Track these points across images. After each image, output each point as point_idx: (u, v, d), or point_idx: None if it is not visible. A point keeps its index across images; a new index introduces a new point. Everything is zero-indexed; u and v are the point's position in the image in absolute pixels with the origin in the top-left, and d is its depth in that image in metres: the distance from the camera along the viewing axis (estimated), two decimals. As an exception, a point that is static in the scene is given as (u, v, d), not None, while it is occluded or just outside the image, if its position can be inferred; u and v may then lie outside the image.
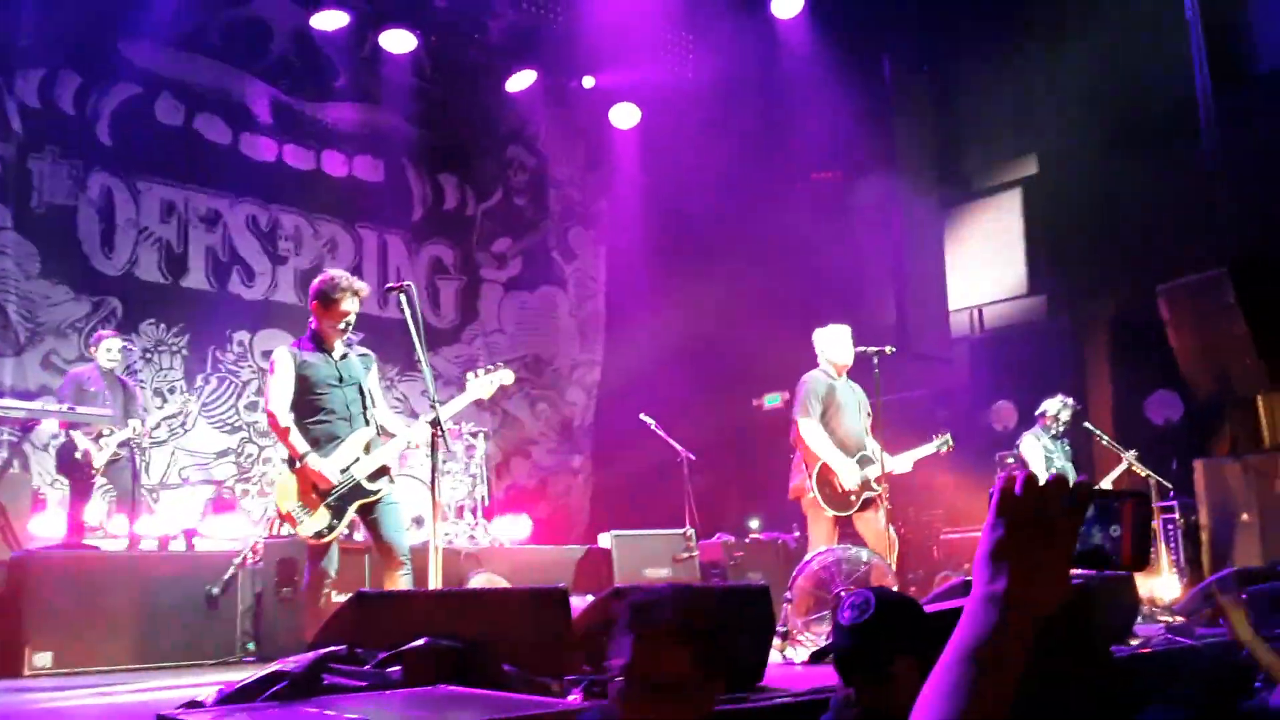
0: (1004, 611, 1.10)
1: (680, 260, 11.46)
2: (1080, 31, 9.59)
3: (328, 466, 5.02)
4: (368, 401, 5.27)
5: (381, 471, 5.17)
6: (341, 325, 5.17)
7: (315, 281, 5.28)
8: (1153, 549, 7.55)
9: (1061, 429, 8.12)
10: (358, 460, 5.11)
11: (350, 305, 5.16)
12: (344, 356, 5.26)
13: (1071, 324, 10.09)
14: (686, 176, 11.19)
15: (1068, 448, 8.19)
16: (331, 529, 5.04)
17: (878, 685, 2.25)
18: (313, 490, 5.02)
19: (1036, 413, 8.22)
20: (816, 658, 4.78)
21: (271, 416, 5.14)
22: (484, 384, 5.41)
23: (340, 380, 5.20)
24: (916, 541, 8.65)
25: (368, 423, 5.23)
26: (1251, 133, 8.79)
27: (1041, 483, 1.15)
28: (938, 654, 1.10)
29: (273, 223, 9.94)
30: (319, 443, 5.09)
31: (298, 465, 5.05)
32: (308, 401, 5.13)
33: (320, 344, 5.22)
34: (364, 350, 5.46)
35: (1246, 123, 8.83)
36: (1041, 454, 8.02)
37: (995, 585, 1.12)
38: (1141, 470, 8.14)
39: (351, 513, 5.09)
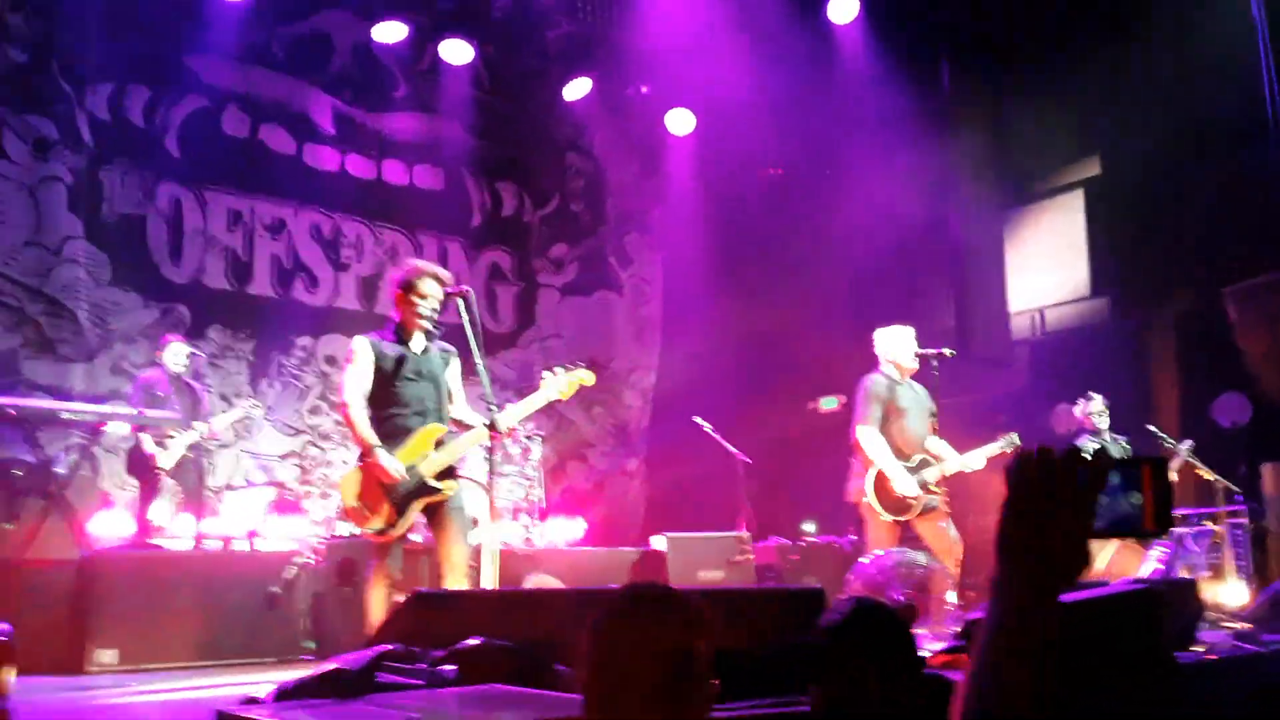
0: (1026, 587, 1.11)
1: (735, 265, 11.44)
2: (1142, 30, 9.42)
3: (392, 463, 4.89)
4: (443, 398, 5.17)
5: (450, 471, 5.06)
6: (424, 312, 5.07)
7: (398, 271, 5.25)
8: (1160, 565, 7.42)
9: (1105, 425, 8.00)
10: (426, 456, 5.00)
11: (430, 288, 5.08)
12: (425, 350, 5.16)
13: (1135, 326, 9.90)
14: (741, 183, 11.18)
15: (1126, 445, 8.02)
16: (395, 526, 4.93)
17: (836, 688, 2.24)
18: (378, 485, 4.92)
19: (1080, 420, 8.15)
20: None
21: (343, 407, 5.04)
22: (561, 383, 5.28)
23: (419, 374, 5.09)
24: (975, 548, 8.52)
25: (441, 419, 5.12)
26: (1321, 130, 8.57)
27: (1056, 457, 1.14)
28: (901, 666, 1.10)
29: (335, 230, 10.12)
30: (390, 436, 4.98)
31: (364, 460, 4.96)
32: (383, 393, 5.03)
33: (401, 336, 5.13)
34: (446, 345, 5.31)
35: (1315, 121, 8.61)
36: None
37: (1016, 562, 1.12)
38: (1200, 469, 7.95)
39: (416, 511, 4.98)
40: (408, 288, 5.11)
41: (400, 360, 5.08)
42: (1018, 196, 11.12)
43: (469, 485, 5.26)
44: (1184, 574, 7.55)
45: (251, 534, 6.79)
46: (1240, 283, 8.34)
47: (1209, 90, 9.14)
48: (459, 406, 5.29)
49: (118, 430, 7.51)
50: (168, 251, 9.15)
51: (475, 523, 5.46)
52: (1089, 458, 1.16)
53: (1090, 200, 10.57)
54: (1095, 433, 8.02)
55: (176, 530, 7.26)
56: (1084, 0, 9.92)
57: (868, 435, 6.32)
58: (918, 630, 5.25)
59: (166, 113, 9.20)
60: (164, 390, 7.52)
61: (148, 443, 7.28)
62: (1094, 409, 8.05)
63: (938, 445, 6.43)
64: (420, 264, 5.26)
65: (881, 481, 6.27)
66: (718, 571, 7.66)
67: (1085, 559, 1.12)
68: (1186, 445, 7.98)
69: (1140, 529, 1.17)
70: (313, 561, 6.34)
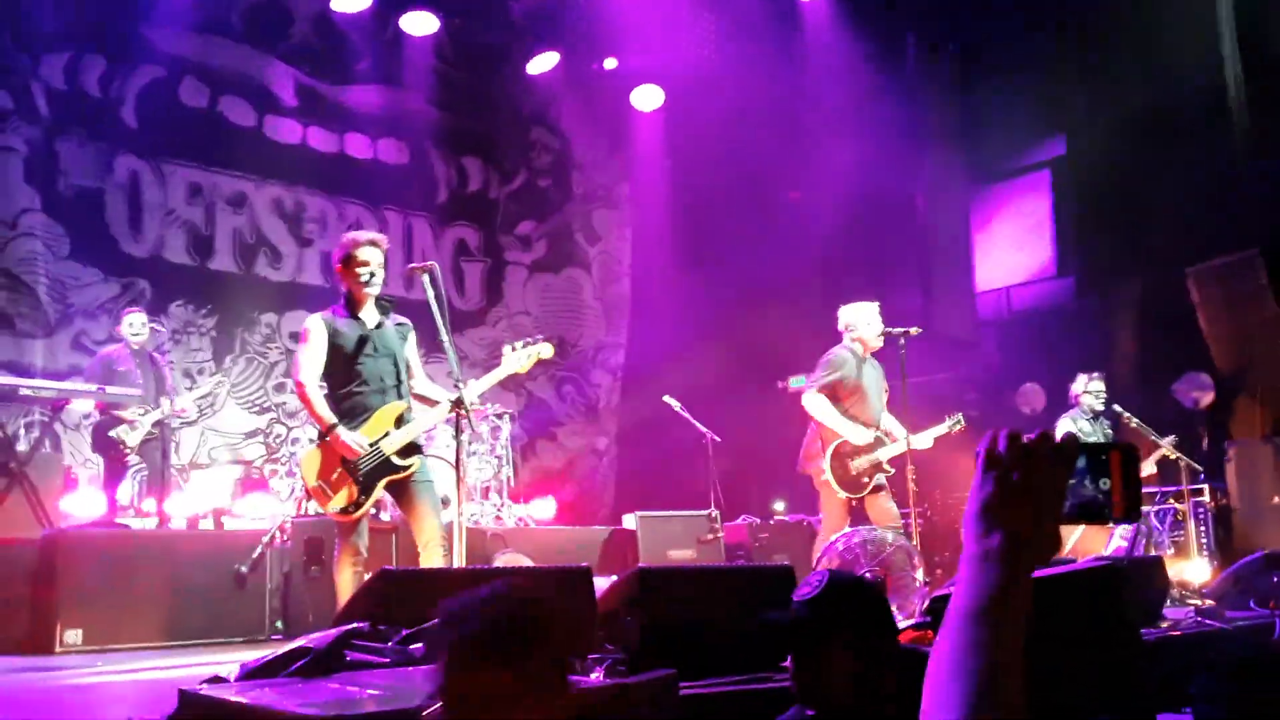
0: (1000, 567, 1.10)
1: (705, 242, 11.43)
2: (1109, 11, 9.47)
3: (354, 438, 4.81)
4: (402, 373, 5.08)
5: (413, 447, 4.98)
6: (365, 278, 4.95)
7: (336, 249, 5.14)
8: (1124, 542, 7.51)
9: (1098, 406, 7.97)
10: (387, 434, 4.90)
11: (368, 254, 4.97)
12: (379, 325, 5.06)
13: (1100, 306, 10.00)
14: (710, 158, 11.14)
15: (1108, 429, 8.03)
16: (359, 505, 4.84)
17: (812, 661, 2.23)
18: (340, 464, 4.83)
19: (1071, 394, 8.12)
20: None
21: (300, 386, 4.93)
22: (520, 358, 5.21)
23: (375, 350, 4.98)
24: (942, 524, 8.60)
25: (401, 396, 5.04)
26: (1283, 114, 8.67)
27: (1025, 439, 1.14)
28: (876, 640, 1.08)
29: (298, 205, 9.99)
30: (351, 414, 4.89)
31: (324, 438, 4.87)
32: (340, 371, 4.94)
33: (353, 310, 5.03)
34: (402, 319, 5.18)
35: (1277, 105, 8.71)
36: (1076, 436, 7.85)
37: (988, 542, 1.11)
38: (1174, 455, 8.03)
39: (380, 489, 4.90)
40: (347, 260, 5.00)
41: (356, 335, 4.99)
42: (984, 176, 11.18)
43: (438, 463, 5.19)
44: (1149, 551, 7.66)
45: (218, 513, 6.71)
46: (1202, 264, 8.44)
47: (1173, 72, 9.22)
48: (419, 381, 5.21)
49: (80, 407, 7.39)
50: (127, 225, 8.99)
51: (445, 502, 5.40)
52: (1058, 441, 1.15)
53: (1056, 180, 10.65)
54: (1085, 412, 7.98)
55: (142, 509, 7.17)
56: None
57: (814, 400, 6.31)
58: (886, 607, 5.29)
59: (123, 83, 9.03)
60: (124, 365, 7.38)
61: (121, 426, 7.16)
62: (1091, 388, 7.97)
63: (890, 422, 6.46)
64: (355, 234, 5.15)
65: (839, 458, 6.28)
66: (688, 550, 7.67)
67: (1055, 542, 1.12)
68: (1169, 440, 8.00)
69: (1108, 515, 1.17)
70: (280, 540, 6.27)
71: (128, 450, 7.21)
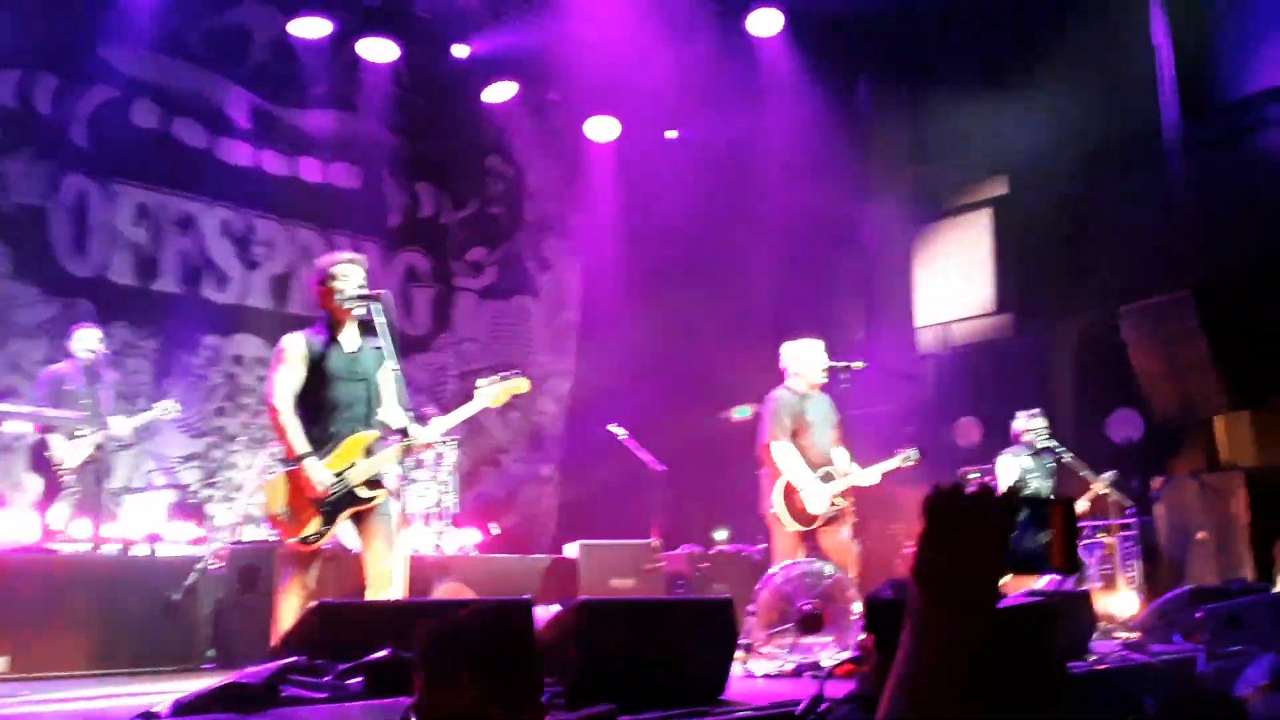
0: (943, 621, 1.12)
1: (653, 273, 11.51)
2: (1052, 56, 9.74)
3: (319, 473, 4.70)
4: (374, 400, 4.95)
5: (378, 480, 4.87)
6: (346, 294, 4.81)
7: (313, 272, 5.02)
8: (1082, 556, 7.66)
9: (1039, 443, 8.06)
10: (354, 464, 4.80)
11: (346, 270, 4.85)
12: (359, 349, 4.94)
13: (1037, 342, 10.22)
14: (661, 190, 11.25)
15: (1050, 464, 8.11)
16: (320, 536, 4.74)
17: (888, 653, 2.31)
18: (304, 494, 4.71)
19: (1012, 431, 8.22)
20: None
21: (273, 411, 4.76)
22: (495, 392, 5.19)
23: (351, 375, 4.86)
24: (881, 554, 8.70)
25: (370, 425, 4.92)
26: (1218, 158, 8.96)
27: (967, 493, 1.17)
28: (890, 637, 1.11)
29: (247, 228, 9.92)
30: (321, 441, 4.77)
31: (292, 466, 4.74)
32: (315, 394, 4.80)
33: (333, 331, 4.90)
34: (379, 344, 4.92)
35: (1213, 148, 9.00)
36: (1017, 472, 7.97)
37: (930, 599, 1.13)
38: (1110, 493, 8.18)
39: (342, 520, 4.80)
40: (326, 279, 4.89)
41: (333, 357, 4.87)
42: (928, 213, 11.40)
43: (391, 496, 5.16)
44: (1077, 585, 7.81)
45: (151, 538, 6.61)
46: (1136, 303, 8.66)
47: (1111, 115, 9.50)
48: (388, 409, 5.05)
49: (15, 428, 7.25)
50: (71, 245, 8.87)
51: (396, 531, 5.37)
52: (999, 494, 1.18)
53: (998, 218, 10.88)
54: (1027, 449, 8.10)
55: (73, 533, 7.04)
56: (998, 25, 10.22)
57: (781, 450, 6.40)
58: (822, 639, 5.36)
59: (75, 102, 8.92)
60: (74, 383, 7.23)
61: (57, 442, 7.02)
62: (1033, 425, 8.09)
63: (840, 457, 6.55)
64: (334, 253, 5.08)
65: (789, 493, 6.36)
66: (629, 579, 7.69)
67: (996, 593, 1.14)
68: (1108, 476, 8.14)
69: (1048, 566, 1.21)
70: (215, 567, 6.20)
71: (64, 471, 7.08)
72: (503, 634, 1.76)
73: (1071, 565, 1.22)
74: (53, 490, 7.14)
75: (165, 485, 8.53)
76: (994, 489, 1.19)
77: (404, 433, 4.86)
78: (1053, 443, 8.09)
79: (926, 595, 1.14)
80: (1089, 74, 9.55)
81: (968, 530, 1.14)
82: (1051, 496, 1.25)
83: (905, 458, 6.78)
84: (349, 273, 4.89)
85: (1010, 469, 8.04)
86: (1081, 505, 8.08)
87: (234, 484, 8.22)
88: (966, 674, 1.11)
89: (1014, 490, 1.16)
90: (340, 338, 4.92)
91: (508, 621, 1.77)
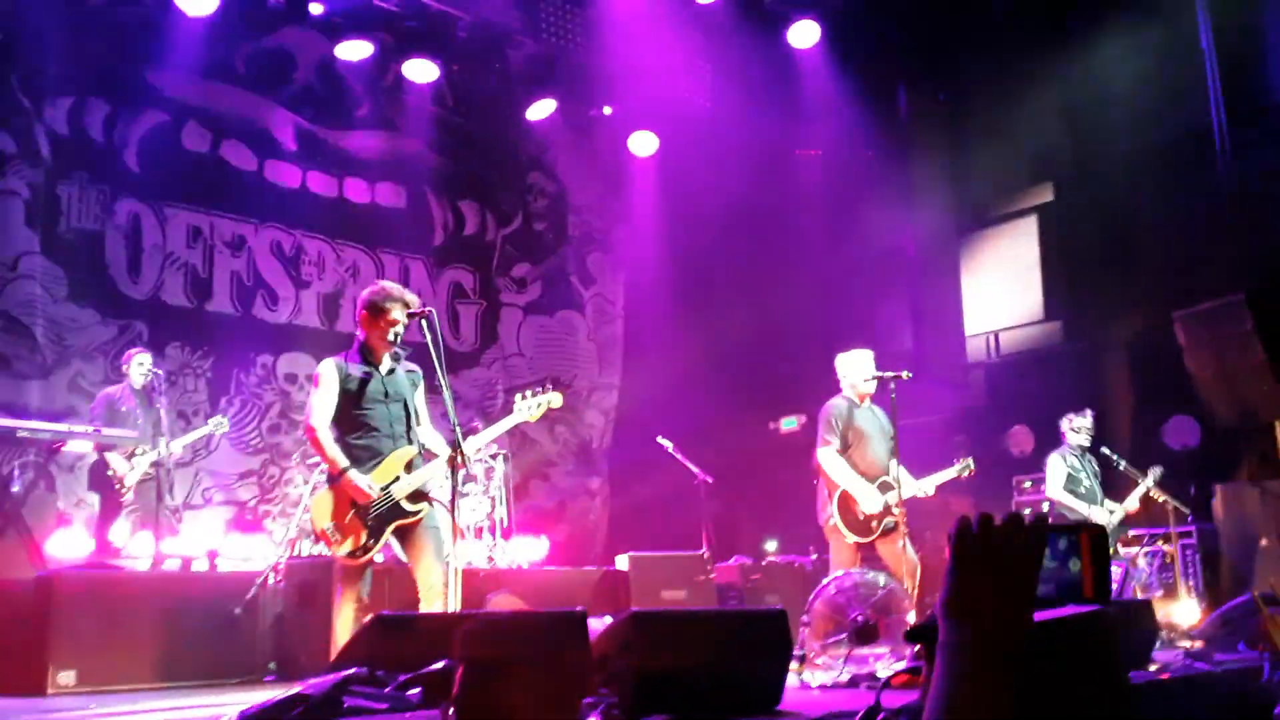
0: (973, 657, 1.10)
1: (698, 285, 11.54)
2: (1096, 60, 9.65)
3: (366, 481, 4.88)
4: (413, 420, 5.15)
5: (422, 493, 5.04)
6: (390, 337, 5.06)
7: (365, 293, 5.19)
8: (1136, 577, 7.55)
9: (1084, 442, 8.08)
10: (398, 479, 4.97)
11: (399, 315, 5.06)
12: (391, 371, 5.13)
13: (1088, 349, 10.10)
14: (704, 204, 11.28)
15: (1096, 466, 8.14)
16: (367, 550, 4.88)
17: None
18: (350, 508, 4.88)
19: (1061, 431, 8.22)
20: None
21: (311, 431, 4.99)
22: (530, 406, 5.32)
23: (386, 396, 5.06)
24: (934, 566, 8.63)
25: (410, 441, 5.11)
26: (1266, 160, 8.82)
27: (997, 523, 1.14)
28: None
29: (296, 248, 10.07)
30: (360, 460, 4.95)
31: (335, 481, 4.92)
32: (351, 416, 5.00)
33: (367, 357, 5.10)
34: (412, 366, 5.29)
35: (1261, 151, 8.86)
36: (1064, 473, 8.00)
37: (960, 634, 1.11)
38: (1159, 495, 8.11)
39: (389, 534, 4.94)
40: (375, 311, 5.08)
41: (367, 382, 5.05)
42: (973, 221, 11.32)
43: (437, 505, 5.24)
44: (1137, 594, 7.69)
45: (211, 554, 6.72)
46: (1189, 308, 8.55)
47: (1158, 118, 9.39)
48: (424, 430, 5.26)
49: (76, 448, 7.42)
50: (126, 267, 9.06)
51: (444, 543, 5.43)
52: (1028, 524, 1.16)
53: (1043, 225, 10.78)
54: (1072, 449, 8.11)
55: (135, 550, 7.17)
56: (1039, 29, 10.15)
57: (829, 457, 6.41)
58: (877, 650, 5.32)
59: (126, 127, 9.12)
60: (128, 405, 7.45)
61: (116, 460, 7.20)
62: (1078, 424, 8.11)
63: (894, 470, 6.52)
64: (389, 286, 5.22)
65: (846, 504, 6.35)
66: (680, 591, 7.69)
67: (1023, 634, 1.12)
68: (1155, 472, 8.09)
69: (1079, 595, 1.19)
70: (274, 582, 6.28)
71: (124, 489, 7.24)
72: (544, 636, 1.80)
73: (1103, 595, 1.19)
74: (111, 508, 7.30)
75: (223, 502, 8.67)
76: (1023, 519, 1.16)
77: (452, 450, 4.93)
78: (1100, 448, 8.06)
79: (956, 629, 1.12)
80: (1134, 78, 9.46)
81: (997, 563, 1.12)
82: (1080, 525, 1.23)
83: (963, 468, 6.75)
84: (399, 318, 5.08)
85: (1058, 469, 8.04)
86: (1132, 504, 8.02)
87: (290, 499, 8.32)
88: (999, 706, 1.08)
89: (1042, 520, 1.12)
90: (375, 362, 5.12)
91: (550, 625, 1.81)
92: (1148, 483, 8.07)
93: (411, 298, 5.22)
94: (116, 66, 8.99)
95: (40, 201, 8.58)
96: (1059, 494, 7.94)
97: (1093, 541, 1.19)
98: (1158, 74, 9.37)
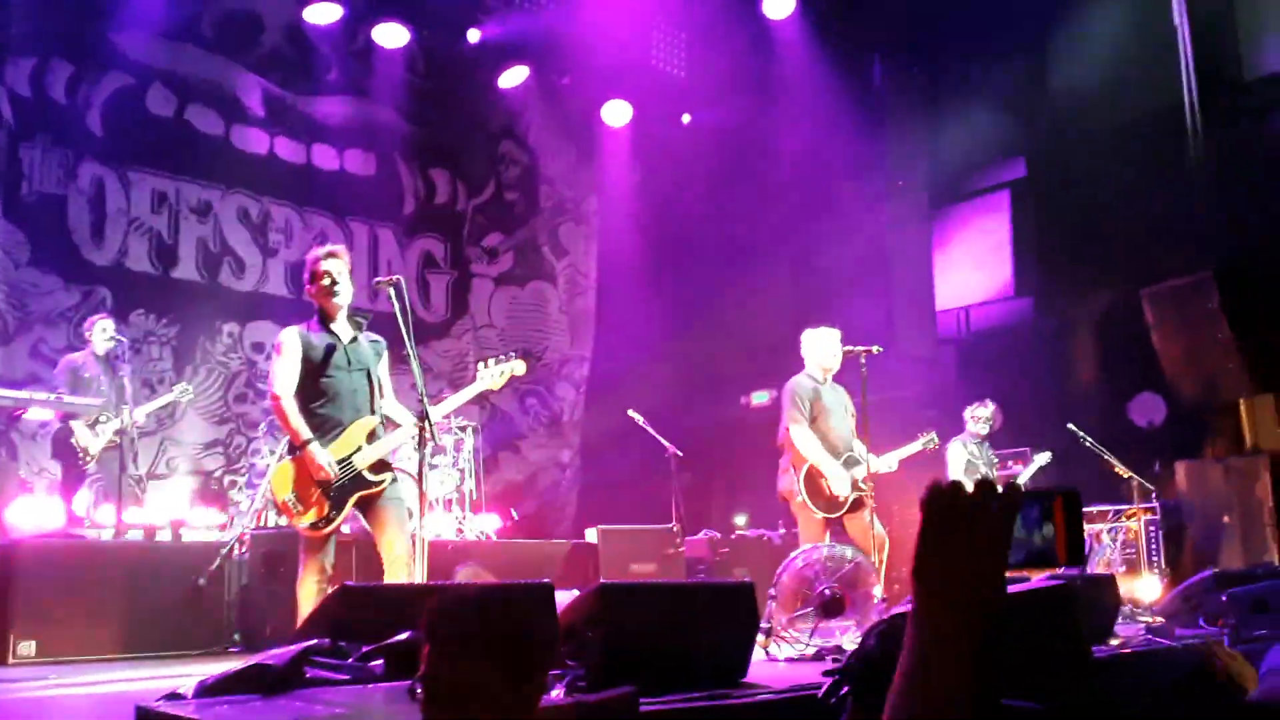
0: (946, 619, 1.09)
1: (670, 257, 11.50)
2: (1070, 36, 9.65)
3: (325, 457, 4.81)
4: (375, 390, 5.10)
5: (384, 464, 5.00)
6: (333, 292, 4.98)
7: (304, 269, 5.18)
8: (1100, 552, 7.69)
9: (982, 431, 8.34)
10: (359, 449, 4.92)
11: (330, 265, 5.00)
12: (354, 340, 5.08)
13: (1057, 326, 10.16)
14: (677, 175, 11.22)
15: (990, 453, 8.41)
16: (330, 521, 4.83)
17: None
18: (311, 480, 4.83)
19: (964, 420, 8.45)
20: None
21: (275, 399, 4.92)
22: (494, 373, 5.23)
23: (349, 364, 5.00)
24: (902, 540, 8.69)
25: (374, 411, 5.06)
26: (1238, 138, 8.86)
27: (969, 489, 1.13)
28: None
29: (264, 215, 9.94)
30: (322, 429, 4.89)
31: (297, 453, 4.87)
32: (313, 385, 4.94)
33: (325, 323, 5.05)
34: (375, 336, 5.22)
35: (1233, 128, 8.91)
36: (963, 459, 8.23)
37: (935, 595, 1.11)
38: (1125, 473, 8.20)
39: (351, 505, 4.90)
40: (311, 277, 5.07)
41: (330, 350, 4.99)
42: (945, 196, 11.33)
43: (402, 477, 5.19)
44: (1100, 569, 7.78)
45: (176, 524, 6.65)
46: (1157, 285, 8.60)
47: (1131, 95, 9.41)
48: (388, 402, 5.22)
49: (39, 416, 7.31)
50: (89, 232, 8.91)
51: (410, 514, 5.39)
52: (1001, 490, 1.14)
53: (1016, 201, 10.81)
54: (971, 437, 8.36)
55: (98, 519, 7.10)
56: (1014, 4, 10.13)
57: (802, 434, 6.41)
58: (843, 622, 5.35)
59: (90, 89, 8.95)
60: (91, 372, 7.33)
61: (80, 429, 7.09)
62: (977, 414, 8.37)
63: (859, 446, 6.55)
64: (316, 249, 5.18)
65: (813, 479, 6.36)
66: (649, 564, 7.70)
67: (1002, 592, 1.11)
68: (1042, 457, 8.45)
69: (1053, 561, 1.17)
70: (239, 552, 6.23)
71: (88, 458, 7.15)
72: (511, 610, 1.76)
73: (1076, 559, 1.17)
74: (74, 477, 7.21)
75: (188, 472, 8.58)
76: (994, 484, 1.14)
77: (417, 419, 4.89)
78: (987, 432, 8.37)
79: (928, 595, 1.11)
80: (1107, 53, 9.46)
81: (969, 527, 1.11)
82: (1054, 489, 1.20)
83: (926, 441, 6.78)
84: (330, 266, 5.02)
85: (958, 455, 8.27)
86: (1024, 478, 8.29)
87: (256, 469, 8.25)
88: (970, 673, 1.07)
89: (1015, 486, 1.09)
90: (334, 328, 5.05)
91: (517, 598, 1.77)
92: (1031, 469, 8.41)
93: (338, 247, 5.19)
94: (80, 27, 8.80)
95: (1, 164, 8.41)
96: (959, 477, 8.08)
97: (1066, 504, 1.17)
98: (1131, 50, 9.38)
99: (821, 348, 6.62)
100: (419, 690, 1.70)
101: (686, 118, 11.66)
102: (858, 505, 6.40)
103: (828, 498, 6.35)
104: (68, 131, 8.78)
